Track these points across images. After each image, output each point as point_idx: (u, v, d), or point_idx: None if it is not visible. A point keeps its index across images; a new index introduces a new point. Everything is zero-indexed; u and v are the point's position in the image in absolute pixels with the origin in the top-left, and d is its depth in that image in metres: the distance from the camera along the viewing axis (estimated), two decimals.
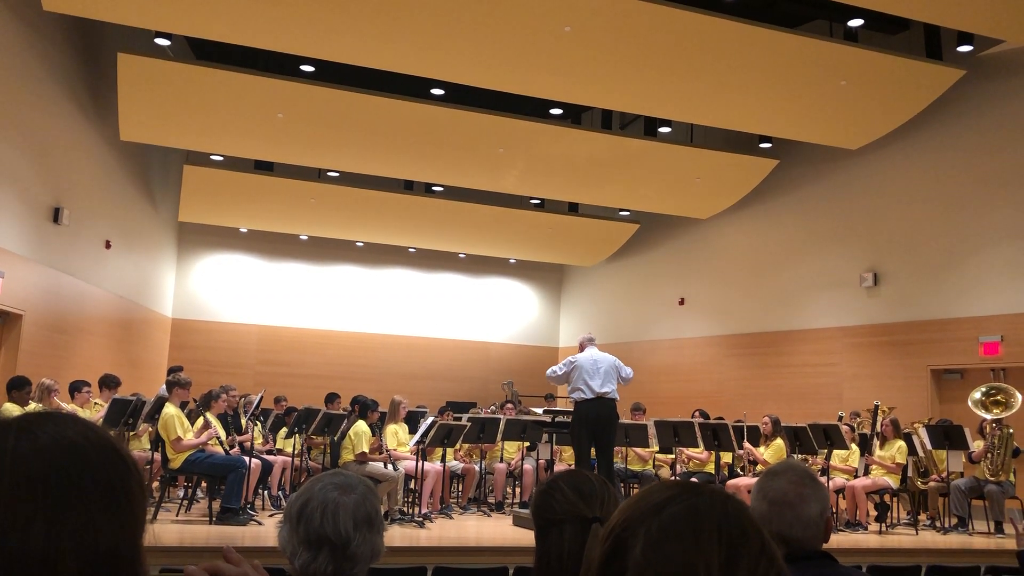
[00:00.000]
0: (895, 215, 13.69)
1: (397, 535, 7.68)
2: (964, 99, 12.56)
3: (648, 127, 13.90)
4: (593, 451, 8.39)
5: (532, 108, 13.31)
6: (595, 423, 8.23)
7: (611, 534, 1.02)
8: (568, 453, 10.57)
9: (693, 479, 0.99)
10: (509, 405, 12.24)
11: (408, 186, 15.88)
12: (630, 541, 0.98)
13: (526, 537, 7.60)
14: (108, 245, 13.36)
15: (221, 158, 14.67)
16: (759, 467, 9.88)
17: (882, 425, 9.84)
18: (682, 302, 17.22)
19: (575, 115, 15.12)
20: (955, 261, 12.83)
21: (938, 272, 13.03)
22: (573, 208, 17.11)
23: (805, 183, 15.05)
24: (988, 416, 9.81)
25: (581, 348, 8.60)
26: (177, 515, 8.45)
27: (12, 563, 0.68)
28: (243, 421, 9.94)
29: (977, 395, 9.99)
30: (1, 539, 0.68)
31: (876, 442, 9.81)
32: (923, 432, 10.22)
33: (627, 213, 17.37)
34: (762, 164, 14.29)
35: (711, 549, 0.96)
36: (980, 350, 12.29)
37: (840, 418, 10.47)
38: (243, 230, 17.87)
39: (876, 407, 10.12)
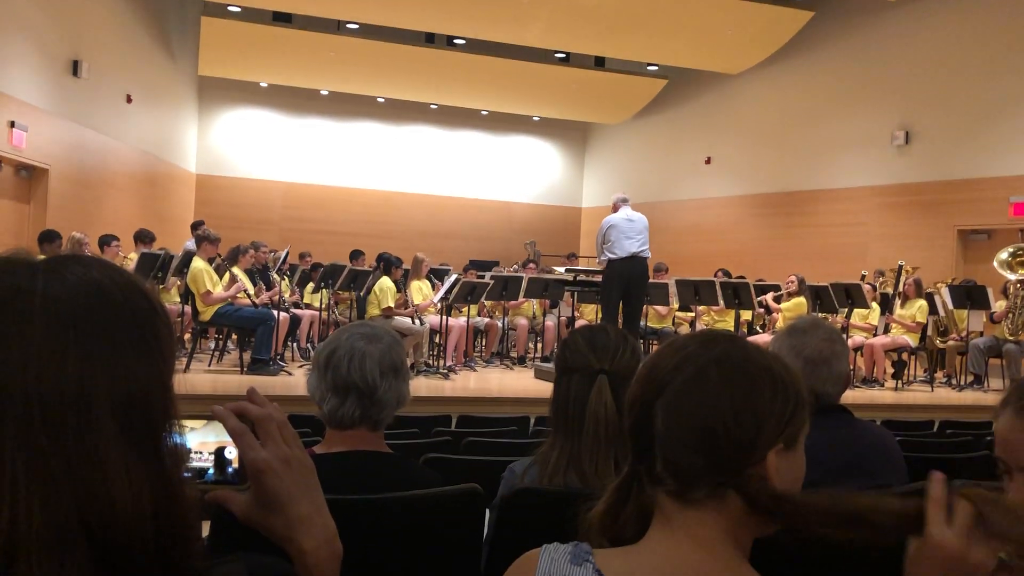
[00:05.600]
0: (930, 71, 13.21)
1: (423, 385, 7.90)
2: None
3: None
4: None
5: None
6: (628, 281, 8.30)
7: (632, 408, 1.07)
8: (588, 309, 10.70)
9: None
10: (531, 264, 12.32)
11: (429, 39, 15.46)
12: (652, 414, 1.03)
13: (547, 389, 7.79)
14: (129, 99, 13.25)
15: (239, 9, 14.30)
16: (778, 324, 9.97)
17: (904, 285, 9.83)
18: (708, 161, 16.96)
19: None
20: (990, 119, 12.46)
21: (971, 130, 12.68)
22: (599, 63, 16.64)
23: (839, 37, 14.49)
24: (1013, 277, 9.75)
25: (615, 208, 8.55)
26: (209, 365, 8.71)
27: (49, 402, 0.70)
28: (272, 275, 10.08)
29: (1004, 255, 9.90)
30: (37, 379, 0.70)
31: (897, 301, 9.83)
32: (945, 292, 10.21)
33: (655, 68, 16.88)
34: (796, 16, 13.73)
35: (723, 407, 1.01)
36: (1010, 211, 12.11)
37: (863, 277, 10.46)
38: (263, 84, 17.61)
39: (900, 267, 10.09)
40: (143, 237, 9.79)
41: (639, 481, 1.07)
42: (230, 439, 1.06)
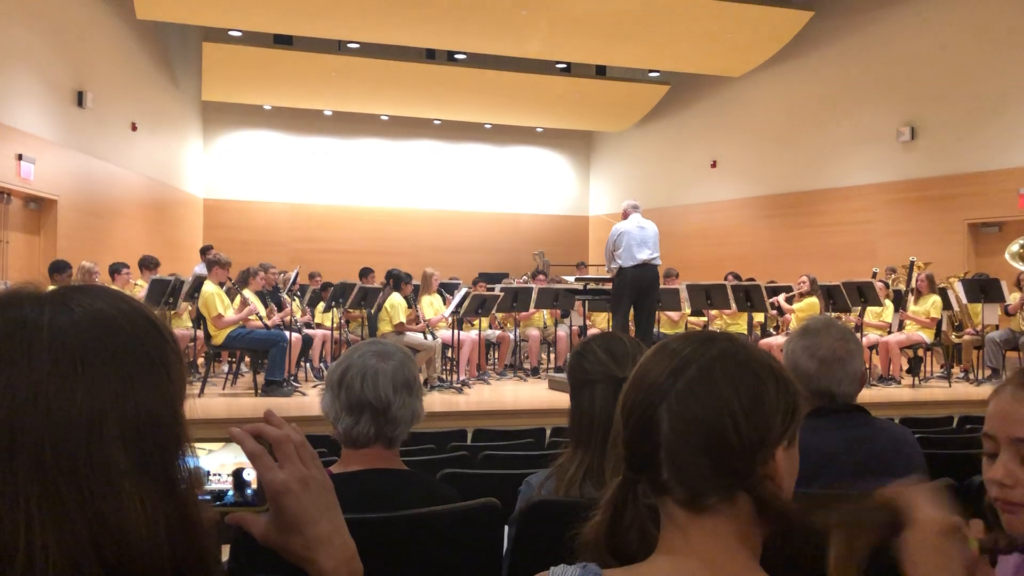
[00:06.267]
0: (933, 65, 13.18)
1: (437, 401, 7.89)
2: None
3: None
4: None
5: None
6: (639, 289, 8.29)
7: (631, 416, 1.04)
8: (600, 317, 10.69)
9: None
10: (541, 275, 12.32)
11: (430, 55, 15.52)
12: (655, 420, 1.01)
13: (561, 399, 7.78)
14: (134, 127, 13.34)
15: (239, 33, 14.40)
16: (792, 326, 9.93)
17: (917, 281, 9.78)
18: (714, 164, 16.95)
19: None
20: (995, 111, 12.41)
21: (977, 123, 12.63)
22: (601, 71, 16.67)
23: (841, 36, 14.48)
24: None
25: (625, 215, 8.55)
26: (224, 388, 8.72)
27: (60, 434, 0.70)
28: (283, 297, 10.11)
29: (1015, 247, 9.84)
30: (47, 411, 0.70)
31: (911, 298, 9.78)
32: (958, 286, 10.15)
33: (657, 74, 16.90)
34: (796, 16, 13.73)
35: (732, 405, 0.99)
36: (1019, 202, 12.04)
37: (875, 275, 10.41)
38: (267, 107, 17.70)
39: (912, 263, 10.04)
40: (148, 264, 9.85)
41: (634, 492, 1.04)
42: (248, 461, 1.06)
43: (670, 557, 1.00)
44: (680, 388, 1.00)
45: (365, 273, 11.05)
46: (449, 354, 9.55)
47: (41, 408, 0.70)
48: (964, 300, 10.10)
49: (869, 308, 9.54)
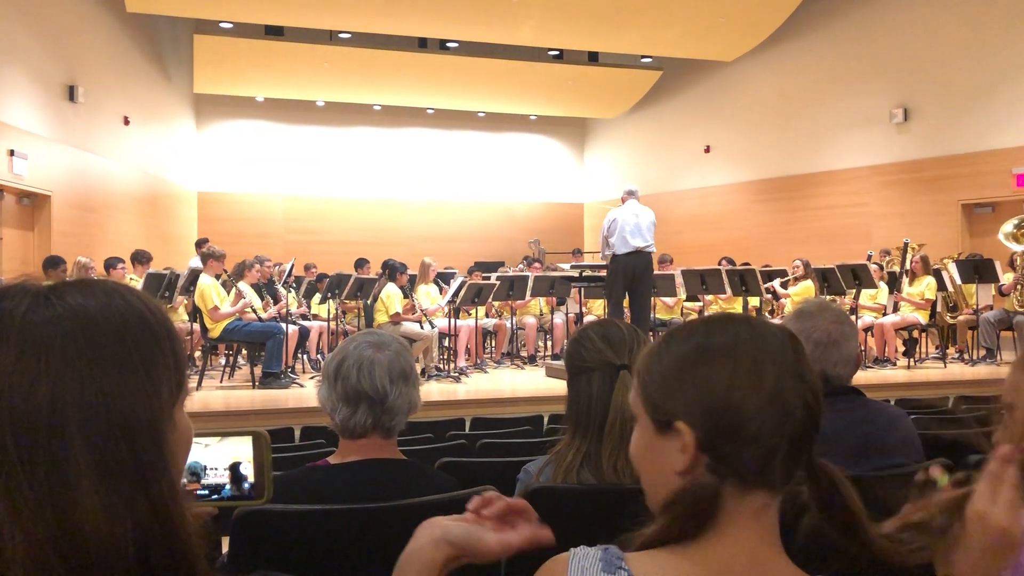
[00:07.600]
0: (926, 47, 13.16)
1: (435, 390, 7.90)
2: None
3: None
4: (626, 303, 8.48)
5: None
6: (631, 276, 8.28)
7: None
8: (596, 304, 10.70)
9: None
10: (536, 263, 12.32)
11: (422, 44, 15.47)
12: (743, 406, 0.95)
13: (559, 387, 7.79)
14: (126, 121, 13.29)
15: (230, 25, 14.33)
16: (787, 310, 9.95)
17: (911, 262, 9.80)
18: (707, 150, 16.94)
19: None
20: (988, 92, 12.41)
21: (970, 104, 12.63)
22: (593, 58, 16.63)
23: (832, 18, 14.45)
24: (1019, 248, 9.71)
25: (623, 201, 8.53)
26: (221, 382, 8.73)
27: (22, 422, 0.69)
28: (279, 289, 10.10)
29: (1009, 227, 9.86)
30: (9, 400, 0.69)
31: (905, 279, 9.80)
32: (952, 267, 10.17)
33: (649, 60, 16.86)
34: None
35: (811, 381, 0.96)
36: (1013, 182, 12.06)
37: (869, 257, 10.42)
38: (259, 99, 17.64)
39: (906, 244, 10.05)
40: (140, 258, 9.84)
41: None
42: (245, 455, 1.06)
43: (722, 539, 0.94)
44: (770, 370, 0.96)
45: (360, 264, 11.04)
46: (446, 343, 9.56)
47: (4, 400, 0.69)
48: (958, 281, 10.12)
49: (864, 290, 9.55)
